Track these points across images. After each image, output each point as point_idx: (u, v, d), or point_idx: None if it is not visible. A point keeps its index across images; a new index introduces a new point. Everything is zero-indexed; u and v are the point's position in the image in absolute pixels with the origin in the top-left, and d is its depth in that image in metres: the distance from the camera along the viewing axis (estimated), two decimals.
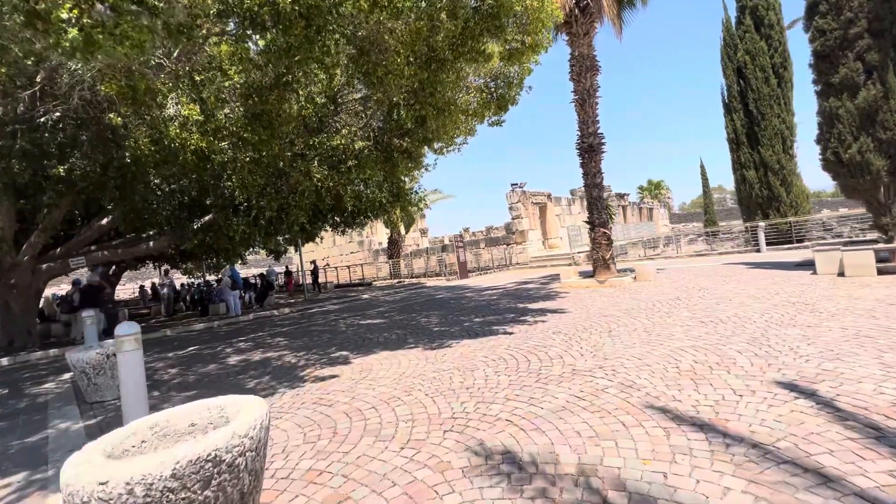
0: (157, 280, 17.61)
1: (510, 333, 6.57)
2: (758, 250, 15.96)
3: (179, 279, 36.78)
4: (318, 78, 8.18)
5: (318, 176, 8.75)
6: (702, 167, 35.54)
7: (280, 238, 12.21)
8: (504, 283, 15.41)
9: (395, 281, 23.15)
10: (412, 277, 24.47)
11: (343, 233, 14.88)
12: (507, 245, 25.40)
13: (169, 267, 18.79)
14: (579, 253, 21.17)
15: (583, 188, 31.98)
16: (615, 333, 5.78)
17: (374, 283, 23.89)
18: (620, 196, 38.27)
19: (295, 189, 9.85)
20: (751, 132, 16.42)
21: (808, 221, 15.99)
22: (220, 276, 15.83)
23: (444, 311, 9.88)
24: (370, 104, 9.73)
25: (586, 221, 12.67)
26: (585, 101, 12.18)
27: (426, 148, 12.43)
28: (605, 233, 12.02)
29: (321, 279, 29.76)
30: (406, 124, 8.57)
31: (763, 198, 16.27)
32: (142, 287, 22.05)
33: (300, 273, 35.17)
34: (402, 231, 26.69)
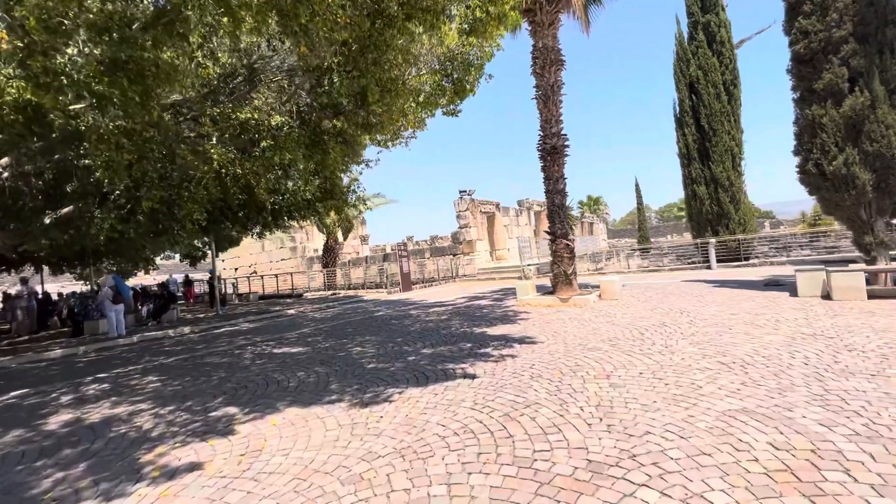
0: (14, 289, 13.90)
1: (472, 377, 4.83)
2: (709, 267, 15.69)
3: (74, 286, 31.27)
4: (221, 26, 6.08)
5: (218, 158, 6.55)
6: (636, 185, 36.66)
7: (179, 240, 9.59)
8: (453, 298, 13.75)
9: (330, 293, 20.71)
10: (350, 289, 22.15)
11: (260, 236, 12.46)
12: (454, 255, 23.90)
13: (29, 272, 15.06)
14: (529, 266, 20.11)
15: (530, 199, 31.49)
16: (617, 381, 4.24)
17: (304, 294, 21.26)
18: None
19: (191, 176, 7.53)
20: (702, 148, 16.27)
21: (755, 239, 16.02)
22: (99, 285, 12.65)
23: (383, 336, 7.97)
24: (297, 76, 7.72)
25: (547, 232, 11.38)
26: (549, 97, 10.96)
27: (367, 138, 10.54)
28: (567, 245, 10.77)
29: (245, 289, 26.42)
30: (340, 99, 6.65)
31: (713, 214, 16.10)
32: (6, 295, 17.67)
33: (222, 281, 31.26)
34: (340, 237, 24.28)
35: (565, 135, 11.03)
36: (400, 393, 4.47)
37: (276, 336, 9.31)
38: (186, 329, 11.53)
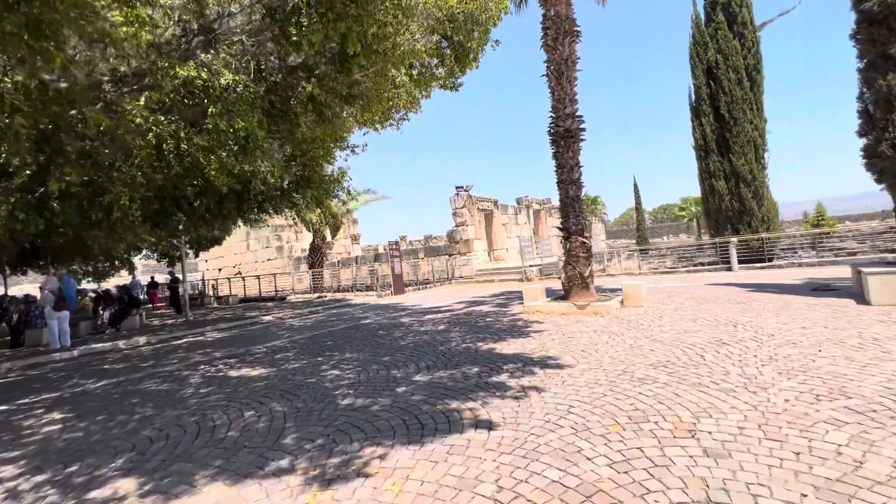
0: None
1: (488, 426, 3.36)
2: (729, 268, 14.35)
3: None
4: None
5: (155, 128, 5.03)
6: (635, 185, 35.45)
7: (120, 234, 7.97)
8: (450, 303, 12.28)
9: (316, 296, 19.15)
10: (338, 291, 20.60)
11: (219, 231, 10.84)
12: (450, 256, 22.43)
13: None
14: (531, 267, 18.70)
15: (529, 197, 30.07)
16: (712, 443, 2.78)
17: (288, 297, 19.68)
18: None
19: (126, 153, 5.99)
20: (721, 139, 14.94)
21: (780, 238, 14.72)
22: (41, 288, 10.99)
23: (367, 353, 6.48)
24: (265, 35, 6.20)
25: (559, 228, 9.95)
26: (562, 73, 9.54)
27: (350, 118, 9.06)
28: (583, 243, 9.35)
29: (232, 290, 24.69)
30: (311, 52, 5.16)
31: (734, 211, 14.75)
32: None
33: (205, 282, 29.44)
34: (328, 236, 22.72)
35: (581, 116, 9.61)
36: (381, 458, 2.99)
37: (242, 350, 7.78)
38: (142, 339, 9.94)
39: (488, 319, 8.73)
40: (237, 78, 5.19)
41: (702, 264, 17.68)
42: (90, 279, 23.88)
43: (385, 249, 26.34)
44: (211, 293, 24.15)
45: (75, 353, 8.92)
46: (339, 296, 18.34)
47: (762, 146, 14.59)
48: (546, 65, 9.80)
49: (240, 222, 8.45)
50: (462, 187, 22.11)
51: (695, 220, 39.26)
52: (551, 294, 10.89)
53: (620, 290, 9.48)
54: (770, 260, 14.41)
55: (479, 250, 22.90)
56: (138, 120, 4.65)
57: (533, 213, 30.46)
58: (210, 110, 5.20)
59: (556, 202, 35.24)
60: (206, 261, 34.52)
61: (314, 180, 8.46)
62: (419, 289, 18.82)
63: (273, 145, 6.07)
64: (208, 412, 4.37)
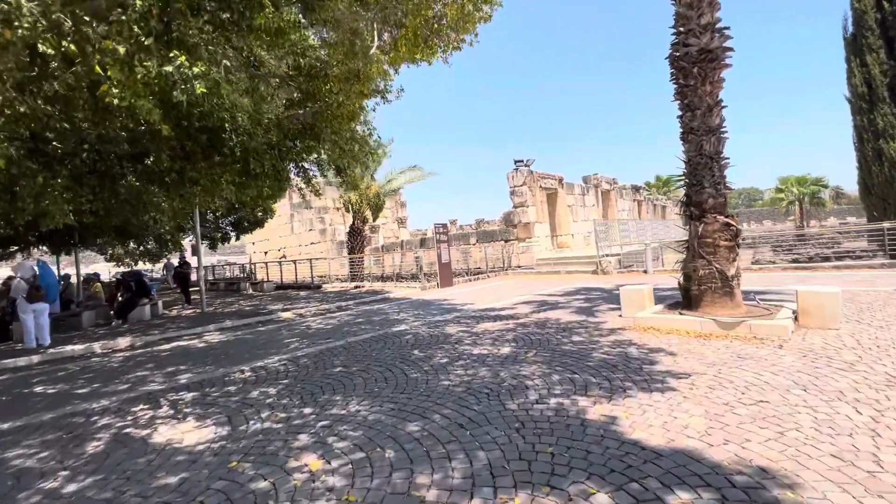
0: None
1: None
2: None
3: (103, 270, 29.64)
4: None
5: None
6: None
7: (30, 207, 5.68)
8: (511, 303, 9.39)
9: (353, 285, 16.95)
10: (380, 279, 18.34)
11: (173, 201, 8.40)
12: (506, 241, 19.41)
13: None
14: (608, 257, 15.28)
15: (598, 175, 26.03)
16: None
17: (324, 286, 17.66)
18: (636, 189, 32.66)
19: None
20: None
21: None
22: (14, 275, 9.33)
23: (386, 407, 3.79)
24: None
25: (684, 202, 6.68)
26: None
27: (379, 48, 6.44)
28: (728, 224, 6.06)
29: (277, 275, 23.07)
30: None
31: None
32: None
33: (248, 267, 28.54)
34: (369, 217, 20.45)
35: (727, 28, 6.21)
36: None
37: (219, 374, 5.41)
38: (124, 342, 7.96)
39: (576, 338, 5.76)
40: None
41: (811, 258, 13.43)
42: (145, 260, 23.25)
43: (433, 234, 23.78)
44: (248, 278, 22.87)
45: (35, 359, 7.05)
46: (378, 286, 15.99)
47: None
48: None
49: (227, 193, 6.00)
50: (522, 161, 18.89)
51: (797, 203, 33.13)
52: (665, 301, 7.70)
53: (764, 294, 6.14)
54: None
55: (541, 236, 19.65)
56: None
57: (601, 193, 26.53)
58: None
59: (625, 182, 30.70)
60: (254, 243, 33.86)
61: (322, 132, 5.83)
62: (470, 280, 16.06)
63: (223, 47, 3.43)
64: None
